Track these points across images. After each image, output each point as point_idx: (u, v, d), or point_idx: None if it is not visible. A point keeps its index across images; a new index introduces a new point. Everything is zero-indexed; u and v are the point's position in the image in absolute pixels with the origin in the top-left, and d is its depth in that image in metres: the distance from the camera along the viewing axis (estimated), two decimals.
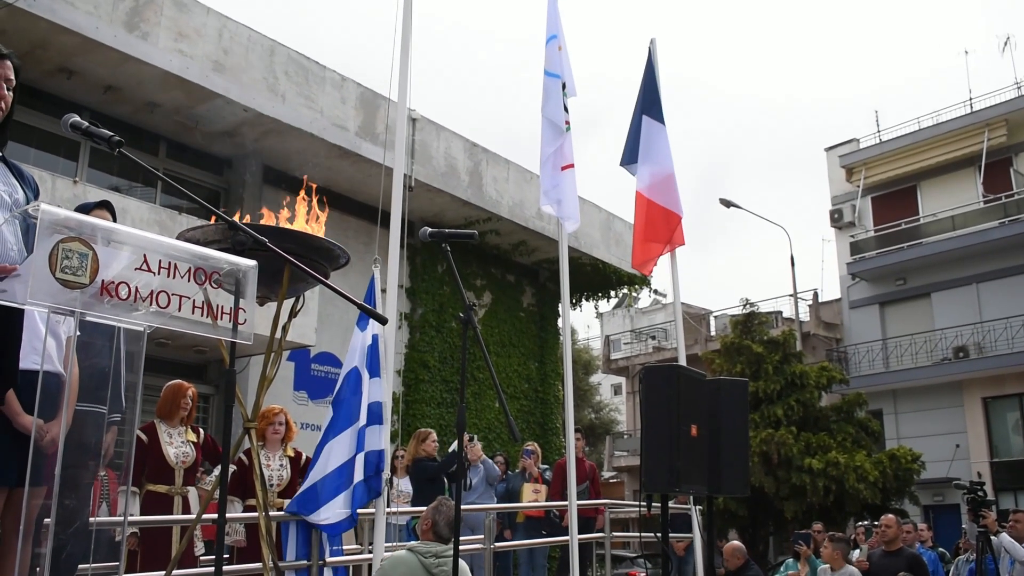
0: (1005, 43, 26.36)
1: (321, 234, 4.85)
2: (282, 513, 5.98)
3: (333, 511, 5.80)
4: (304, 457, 7.39)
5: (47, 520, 2.74)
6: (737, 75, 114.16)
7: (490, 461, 10.33)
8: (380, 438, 5.88)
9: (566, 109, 7.01)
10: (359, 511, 5.91)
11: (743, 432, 6.23)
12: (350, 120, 14.98)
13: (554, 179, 6.95)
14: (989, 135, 24.30)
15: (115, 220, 4.55)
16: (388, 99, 14.02)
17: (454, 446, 9.66)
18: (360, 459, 5.82)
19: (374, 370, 5.98)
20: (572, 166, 6.97)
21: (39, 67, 12.11)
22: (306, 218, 5.00)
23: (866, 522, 13.85)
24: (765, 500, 16.64)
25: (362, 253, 12.92)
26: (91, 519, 3.53)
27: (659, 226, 7.86)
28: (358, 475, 5.78)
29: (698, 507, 8.01)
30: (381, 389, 5.87)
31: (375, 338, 6.04)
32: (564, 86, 7.08)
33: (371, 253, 7.05)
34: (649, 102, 8.12)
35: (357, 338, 6.07)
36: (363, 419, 5.89)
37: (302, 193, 5.09)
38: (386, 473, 5.80)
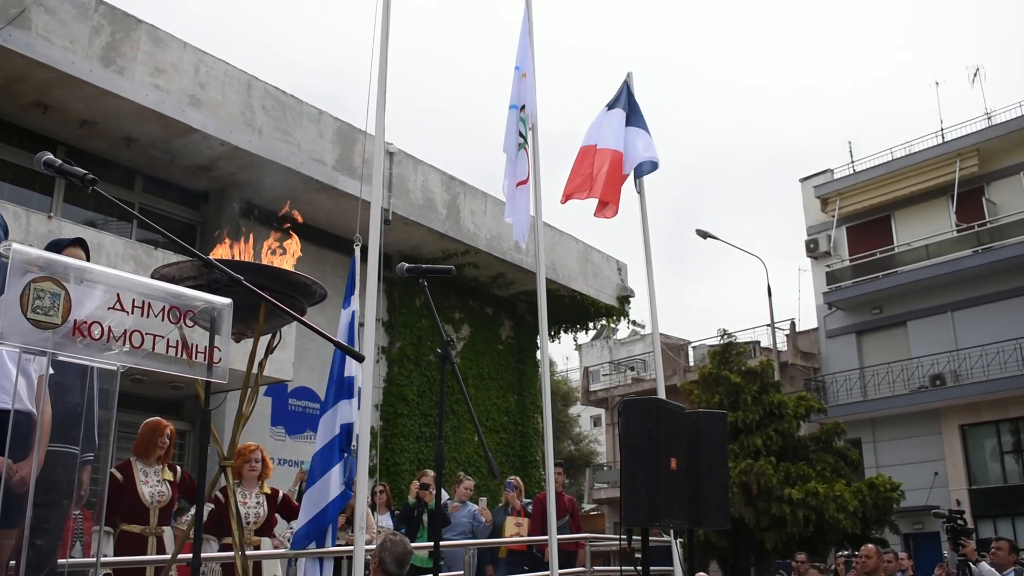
0: (975, 74, 26.80)
1: (291, 266, 4.84)
2: (258, 552, 5.91)
3: (333, 485, 6.37)
4: (281, 495, 7.32)
5: (13, 562, 2.69)
6: (709, 106, 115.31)
7: (481, 519, 10.23)
8: (351, 411, 6.44)
9: (522, 134, 7.02)
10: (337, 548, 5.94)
11: (723, 464, 6.21)
12: (327, 154, 14.99)
13: (511, 197, 6.97)
14: (961, 165, 24.59)
15: (88, 257, 4.50)
16: (365, 133, 14.07)
17: (411, 498, 9.62)
18: (332, 429, 6.52)
19: (352, 344, 6.60)
20: (526, 182, 6.97)
21: (14, 102, 12.07)
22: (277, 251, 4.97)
23: (846, 552, 13.82)
24: (746, 531, 16.61)
25: (339, 287, 12.86)
26: (64, 560, 3.47)
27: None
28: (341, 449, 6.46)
29: (679, 539, 7.97)
30: (356, 367, 6.30)
31: (352, 315, 6.74)
32: (523, 108, 7.11)
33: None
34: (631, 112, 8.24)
35: (343, 318, 6.77)
36: (344, 394, 6.57)
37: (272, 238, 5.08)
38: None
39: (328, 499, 6.41)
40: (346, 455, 6.50)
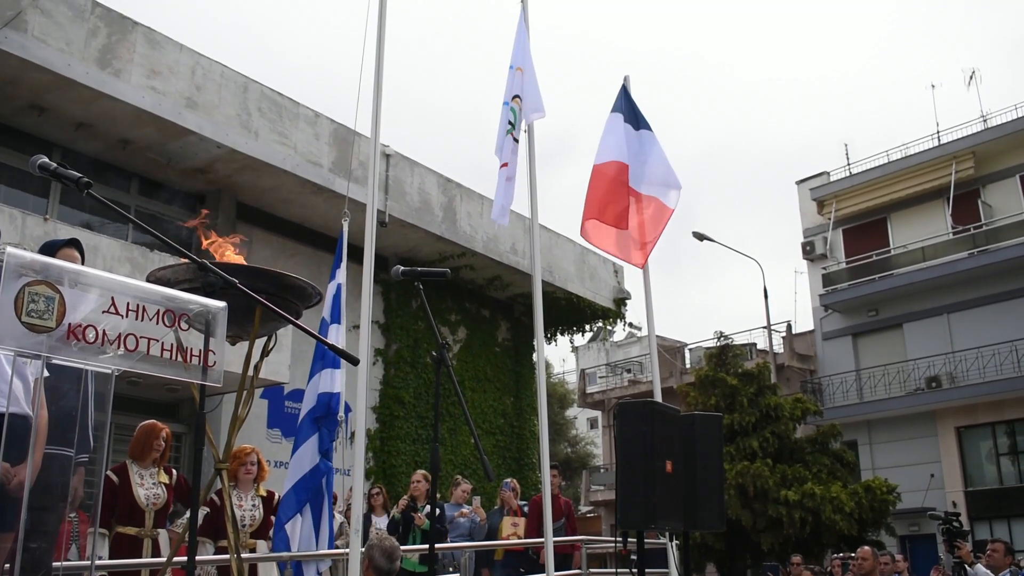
0: (971, 77, 26.90)
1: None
2: (254, 555, 5.91)
3: (309, 455, 6.51)
4: (277, 497, 7.32)
5: (7, 566, 2.69)
6: (705, 108, 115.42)
7: (476, 517, 10.21)
8: (332, 381, 6.54)
9: (511, 122, 6.90)
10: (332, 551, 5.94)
11: (718, 466, 6.21)
12: (324, 156, 14.98)
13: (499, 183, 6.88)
14: (957, 167, 24.63)
15: (83, 258, 4.50)
16: (361, 135, 14.06)
17: (399, 507, 9.59)
18: (311, 399, 6.64)
19: (335, 316, 6.69)
20: (507, 165, 6.86)
21: (10, 104, 12.06)
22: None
23: (842, 554, 13.83)
24: (742, 533, 16.60)
25: None
26: (59, 563, 3.46)
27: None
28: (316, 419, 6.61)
29: (674, 542, 7.96)
30: (339, 336, 6.35)
31: (338, 287, 6.78)
32: (515, 98, 7.02)
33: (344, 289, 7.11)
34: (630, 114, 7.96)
35: (329, 290, 6.80)
36: (323, 364, 6.69)
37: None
38: (342, 420, 6.29)
39: (305, 470, 6.52)
40: (322, 426, 6.55)
